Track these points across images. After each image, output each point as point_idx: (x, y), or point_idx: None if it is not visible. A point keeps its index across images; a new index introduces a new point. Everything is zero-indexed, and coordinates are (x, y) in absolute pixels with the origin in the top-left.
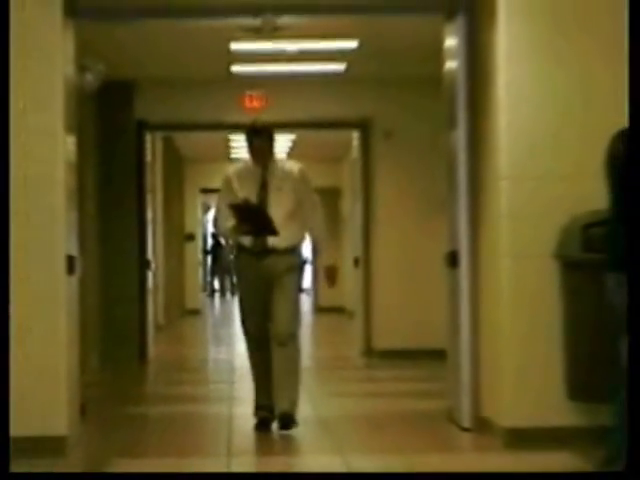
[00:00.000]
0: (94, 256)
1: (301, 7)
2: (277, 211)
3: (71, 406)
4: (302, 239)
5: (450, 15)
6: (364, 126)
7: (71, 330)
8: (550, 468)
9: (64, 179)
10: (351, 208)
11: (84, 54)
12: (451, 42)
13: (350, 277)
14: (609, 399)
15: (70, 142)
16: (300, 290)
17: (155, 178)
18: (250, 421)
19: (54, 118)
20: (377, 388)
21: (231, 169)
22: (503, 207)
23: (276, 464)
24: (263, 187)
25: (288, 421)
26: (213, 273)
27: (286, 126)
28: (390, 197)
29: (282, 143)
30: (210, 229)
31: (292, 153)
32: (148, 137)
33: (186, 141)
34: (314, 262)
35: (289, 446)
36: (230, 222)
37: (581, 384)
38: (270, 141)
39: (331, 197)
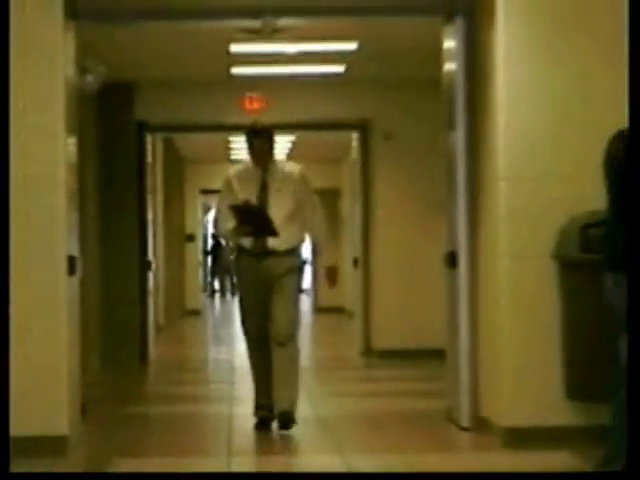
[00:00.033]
0: (95, 257)
1: (301, 9)
2: (277, 212)
3: (72, 406)
4: (302, 240)
5: (449, 17)
6: (363, 127)
7: (72, 330)
8: (549, 468)
9: (65, 180)
10: (351, 209)
11: (85, 56)
12: (450, 44)
13: (350, 277)
14: (608, 399)
15: (71, 143)
16: (300, 291)
17: (155, 179)
18: (250, 421)
19: (55, 119)
20: (376, 388)
21: (231, 170)
22: (502, 208)
23: (276, 464)
24: (263, 188)
25: (288, 420)
26: (213, 274)
27: (286, 127)
28: (389, 198)
29: (282, 144)
30: (210, 230)
31: (292, 154)
32: (148, 138)
33: (186, 142)
34: (314, 263)
35: (289, 446)
36: (230, 223)
37: (580, 384)
38: (270, 142)
39: (331, 198)
